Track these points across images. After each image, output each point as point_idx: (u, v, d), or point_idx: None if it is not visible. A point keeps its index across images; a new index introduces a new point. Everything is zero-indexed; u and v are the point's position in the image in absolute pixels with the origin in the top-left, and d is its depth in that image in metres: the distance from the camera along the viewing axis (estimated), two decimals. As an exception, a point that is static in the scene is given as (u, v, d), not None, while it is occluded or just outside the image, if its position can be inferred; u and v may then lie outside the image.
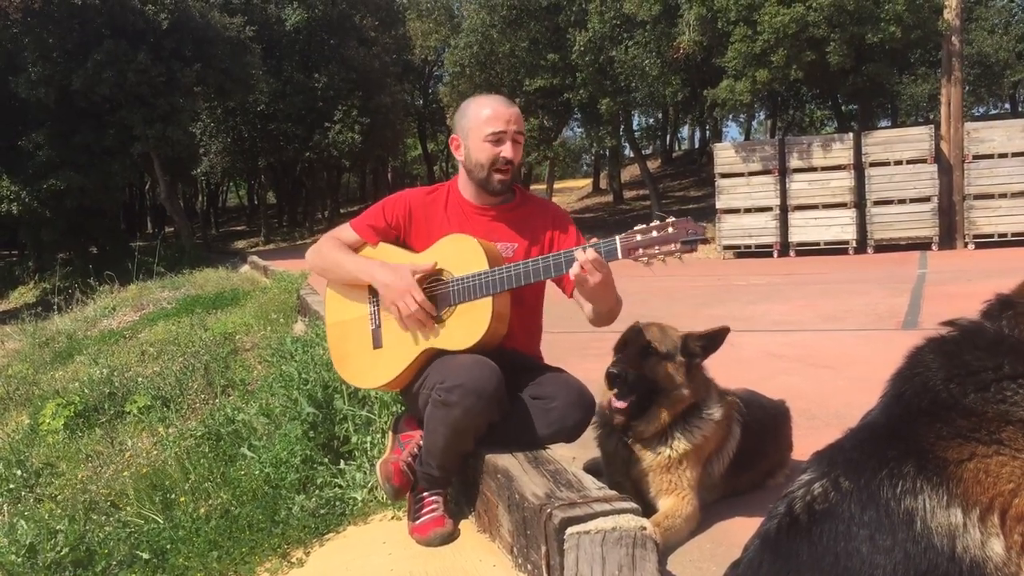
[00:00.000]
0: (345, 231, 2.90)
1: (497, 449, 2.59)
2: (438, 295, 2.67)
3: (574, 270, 2.43)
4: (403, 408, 3.20)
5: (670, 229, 2.36)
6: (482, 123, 2.74)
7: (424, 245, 2.79)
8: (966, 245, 15.69)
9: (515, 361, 2.71)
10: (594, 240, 2.52)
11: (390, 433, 2.93)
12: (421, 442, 2.71)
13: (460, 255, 2.66)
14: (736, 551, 1.63)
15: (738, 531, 2.46)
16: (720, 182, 17.29)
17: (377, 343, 2.75)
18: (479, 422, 2.54)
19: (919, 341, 1.70)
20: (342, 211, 36.38)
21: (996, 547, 1.40)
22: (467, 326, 2.61)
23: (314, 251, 2.91)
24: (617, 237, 2.43)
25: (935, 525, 1.42)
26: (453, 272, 2.65)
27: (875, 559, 1.43)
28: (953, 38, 16.38)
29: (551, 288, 2.87)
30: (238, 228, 43.40)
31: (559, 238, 2.85)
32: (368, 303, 2.80)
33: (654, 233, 2.37)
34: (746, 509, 2.82)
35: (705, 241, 2.49)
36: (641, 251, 2.38)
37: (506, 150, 2.72)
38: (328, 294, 2.93)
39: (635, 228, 2.43)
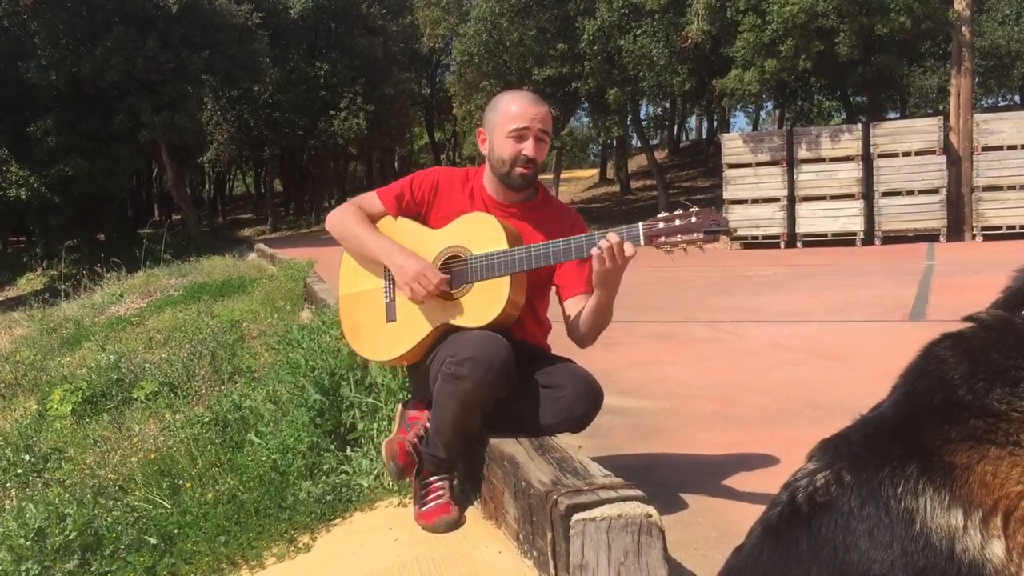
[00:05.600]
0: (369, 199, 2.89)
1: (503, 436, 2.60)
2: (454, 272, 2.67)
3: (603, 245, 2.41)
4: (410, 395, 3.20)
5: (693, 218, 2.34)
6: (507, 119, 2.72)
7: (442, 226, 2.78)
8: (974, 237, 15.64)
9: (525, 350, 2.71)
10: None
11: (397, 412, 2.93)
12: (428, 424, 2.72)
13: (479, 233, 2.66)
14: (740, 540, 1.63)
15: (742, 520, 2.47)
16: (728, 172, 17.25)
17: (390, 316, 2.75)
18: (487, 396, 2.54)
19: (935, 336, 1.64)
20: (348, 199, 36.37)
21: (997, 549, 1.38)
22: (483, 304, 2.62)
23: (337, 217, 2.87)
24: (640, 224, 2.42)
25: (935, 526, 1.41)
26: (471, 250, 2.65)
27: (872, 554, 1.43)
28: (963, 29, 16.29)
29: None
30: (245, 216, 43.46)
31: None
32: (383, 275, 2.80)
33: (677, 222, 2.36)
34: (752, 497, 2.83)
35: (728, 232, 2.44)
36: (663, 239, 2.37)
37: (528, 148, 2.70)
38: (343, 264, 2.92)
39: (658, 216, 2.42)
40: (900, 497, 1.44)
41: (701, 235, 2.33)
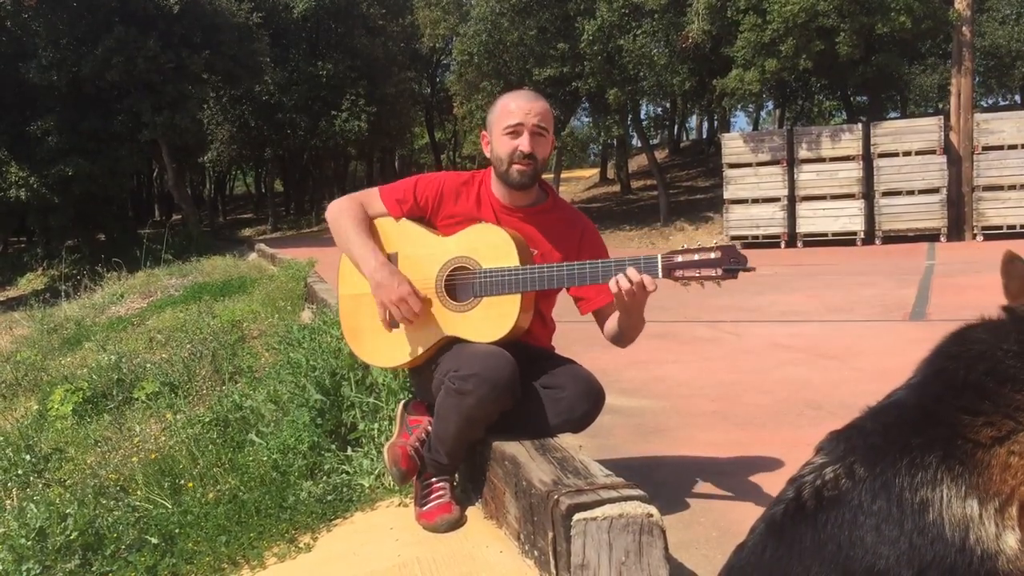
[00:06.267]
0: (372, 198, 2.83)
1: (505, 436, 2.59)
2: (461, 284, 2.64)
3: (623, 284, 2.39)
4: (411, 395, 3.20)
5: (713, 255, 2.33)
6: (503, 116, 2.70)
7: (447, 232, 2.75)
8: (975, 237, 15.64)
9: (528, 351, 2.69)
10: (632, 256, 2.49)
11: (398, 414, 2.91)
12: (429, 427, 2.71)
13: (489, 246, 2.62)
14: (741, 539, 1.63)
15: (743, 519, 2.47)
16: (728, 172, 17.26)
17: (393, 322, 2.70)
18: (491, 411, 2.53)
19: (937, 335, 1.61)
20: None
21: (1010, 540, 1.37)
22: (492, 320, 2.58)
23: (336, 210, 2.80)
24: (659, 255, 2.40)
25: (949, 516, 1.38)
26: (480, 262, 2.61)
27: (879, 549, 1.41)
28: (964, 28, 16.29)
29: None
30: (245, 216, 43.44)
31: (587, 252, 2.78)
32: None
33: (696, 256, 2.34)
34: (752, 497, 2.83)
35: (748, 270, 2.38)
36: (681, 272, 2.36)
37: (523, 143, 2.66)
38: (343, 262, 2.86)
39: (678, 249, 2.41)
40: (916, 488, 1.41)
41: (719, 271, 2.32)
